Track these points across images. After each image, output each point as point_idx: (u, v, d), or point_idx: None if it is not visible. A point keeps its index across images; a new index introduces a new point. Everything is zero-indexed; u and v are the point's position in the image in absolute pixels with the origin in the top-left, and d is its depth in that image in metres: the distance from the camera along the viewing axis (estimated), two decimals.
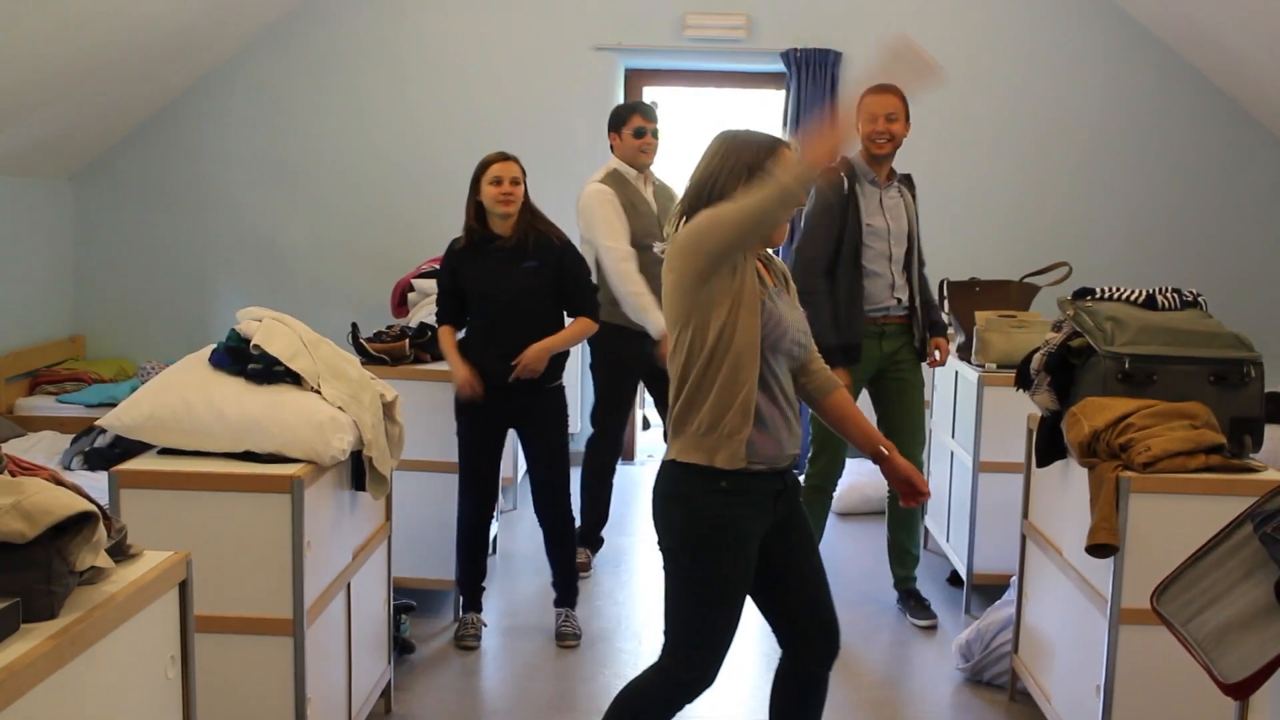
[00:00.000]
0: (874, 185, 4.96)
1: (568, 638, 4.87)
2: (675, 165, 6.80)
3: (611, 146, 5.61)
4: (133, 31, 6.27)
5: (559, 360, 4.80)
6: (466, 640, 4.83)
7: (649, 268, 5.22)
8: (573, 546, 5.01)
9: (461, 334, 4.83)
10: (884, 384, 5.10)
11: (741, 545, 3.01)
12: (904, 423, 5.08)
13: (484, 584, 5.00)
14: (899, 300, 4.99)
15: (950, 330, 5.49)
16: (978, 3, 7.56)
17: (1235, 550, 2.42)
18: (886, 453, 3.19)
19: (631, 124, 5.53)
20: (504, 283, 4.64)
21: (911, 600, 5.26)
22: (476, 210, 4.70)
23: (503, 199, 4.61)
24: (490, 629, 5.03)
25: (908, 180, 5.13)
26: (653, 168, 5.64)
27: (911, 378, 5.09)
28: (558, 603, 5.00)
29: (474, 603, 4.96)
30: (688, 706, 3.13)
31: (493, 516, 4.99)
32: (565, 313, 4.82)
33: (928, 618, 5.16)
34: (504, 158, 4.69)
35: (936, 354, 5.11)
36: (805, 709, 3.24)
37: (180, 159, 7.73)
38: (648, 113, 5.62)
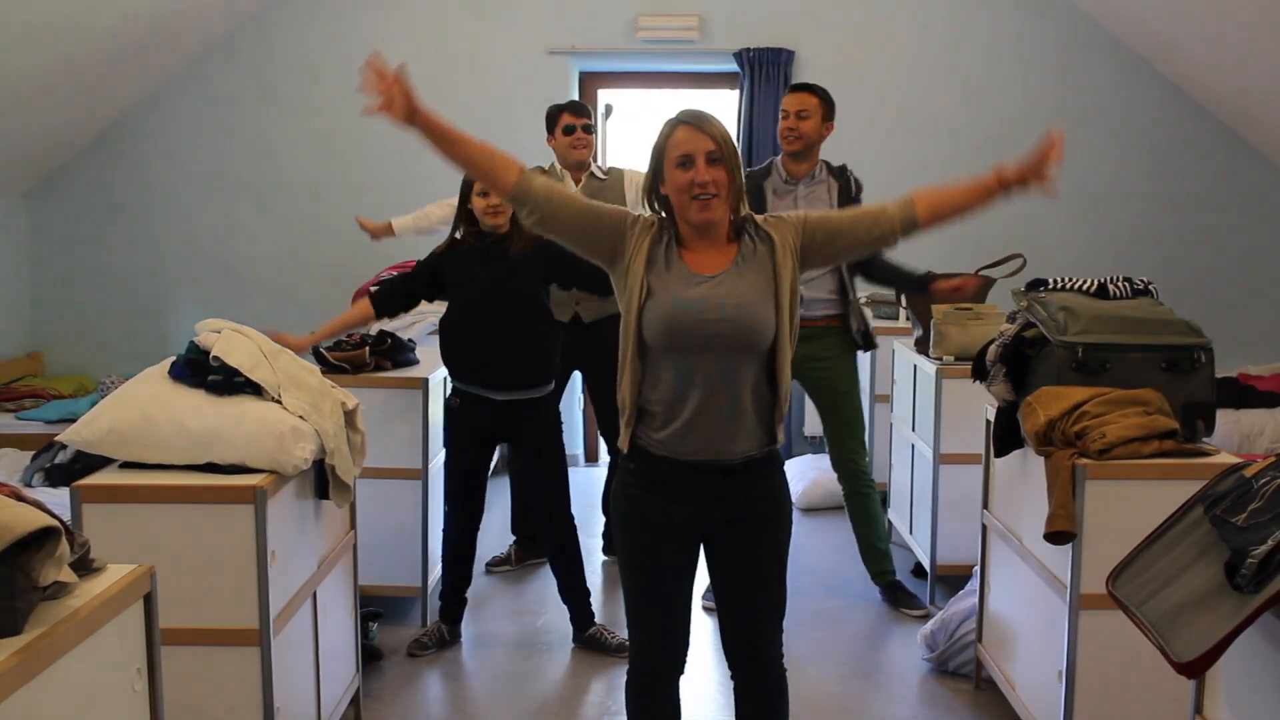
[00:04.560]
0: (787, 184, 5.02)
1: (613, 648, 4.78)
2: (629, 166, 6.80)
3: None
4: (83, 46, 6.24)
5: (547, 365, 4.67)
6: (423, 641, 4.79)
7: None
8: (581, 567, 4.85)
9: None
10: (811, 382, 5.17)
11: (646, 527, 3.06)
12: (835, 418, 5.19)
13: (467, 595, 4.92)
14: (818, 298, 5.04)
15: (907, 323, 5.52)
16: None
17: (1187, 532, 2.46)
18: (1001, 174, 3.18)
19: (561, 122, 5.58)
20: (494, 291, 4.54)
21: (897, 593, 5.30)
22: (468, 219, 4.62)
23: (491, 211, 4.53)
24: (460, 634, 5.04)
25: (839, 171, 5.15)
26: (602, 161, 5.67)
27: (835, 378, 5.16)
28: (578, 635, 4.87)
29: (452, 615, 4.89)
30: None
31: (478, 528, 4.89)
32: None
33: (917, 607, 5.21)
34: None
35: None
36: (758, 711, 3.24)
37: (134, 173, 7.70)
38: (576, 109, 5.65)
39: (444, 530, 4.86)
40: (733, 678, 3.23)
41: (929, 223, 3.16)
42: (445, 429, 4.82)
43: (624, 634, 4.72)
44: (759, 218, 3.06)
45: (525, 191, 2.96)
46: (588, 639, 4.83)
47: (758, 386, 2.98)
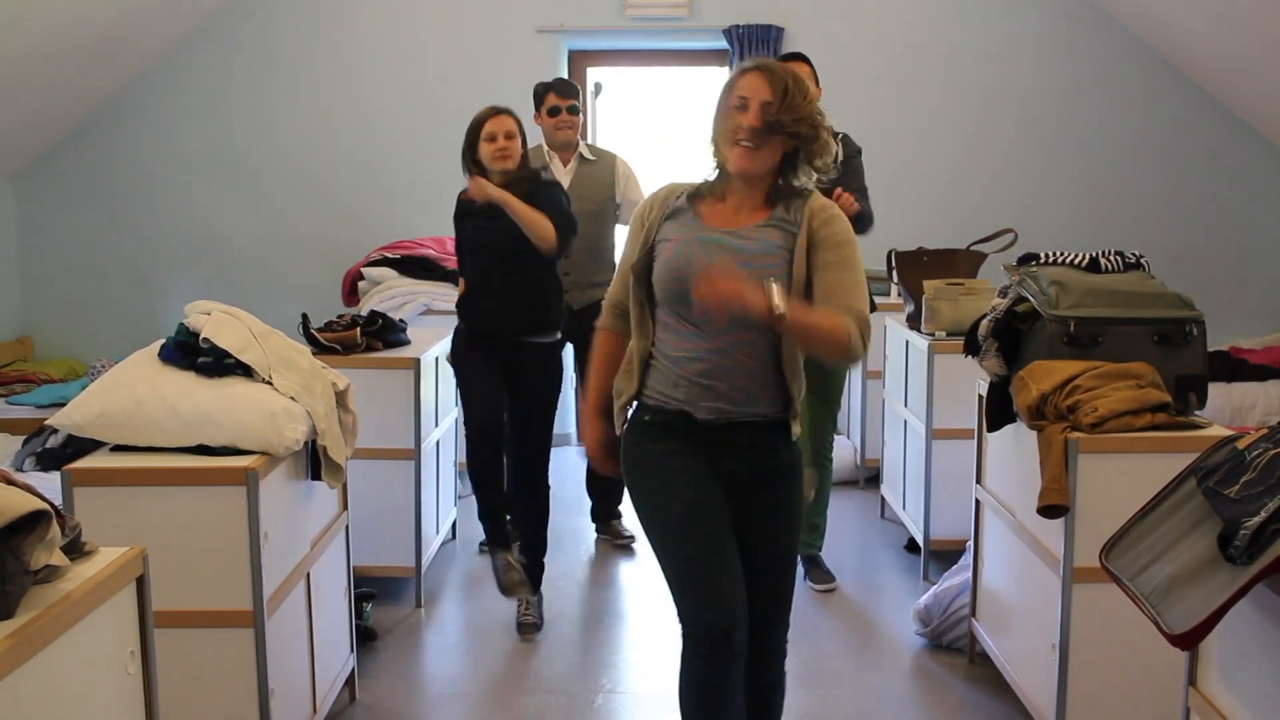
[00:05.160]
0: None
1: (528, 629, 4.77)
2: (620, 144, 6.79)
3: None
4: (71, 26, 6.20)
5: (550, 315, 4.69)
6: (514, 590, 4.69)
7: None
8: (544, 528, 4.90)
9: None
10: None
11: (657, 470, 2.95)
12: (818, 390, 5.14)
13: (509, 519, 4.82)
14: None
15: (899, 299, 5.51)
16: None
17: (1180, 505, 2.47)
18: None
19: (546, 102, 5.56)
20: (495, 233, 4.55)
21: (812, 565, 5.32)
22: (476, 169, 4.61)
23: (499, 154, 4.53)
24: (453, 614, 5.05)
25: (843, 139, 5.09)
26: (592, 139, 5.65)
27: None
28: (494, 541, 4.80)
29: (501, 539, 4.76)
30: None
31: (501, 439, 4.76)
32: None
33: (826, 581, 5.24)
34: (497, 112, 4.59)
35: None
36: (754, 709, 3.06)
37: (123, 155, 7.66)
38: (562, 89, 5.61)
39: (468, 447, 4.80)
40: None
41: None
42: (455, 361, 4.83)
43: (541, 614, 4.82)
44: (817, 201, 2.93)
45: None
46: (520, 603, 4.87)
47: (765, 353, 2.89)
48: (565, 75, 7.64)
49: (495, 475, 4.76)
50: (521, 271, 4.61)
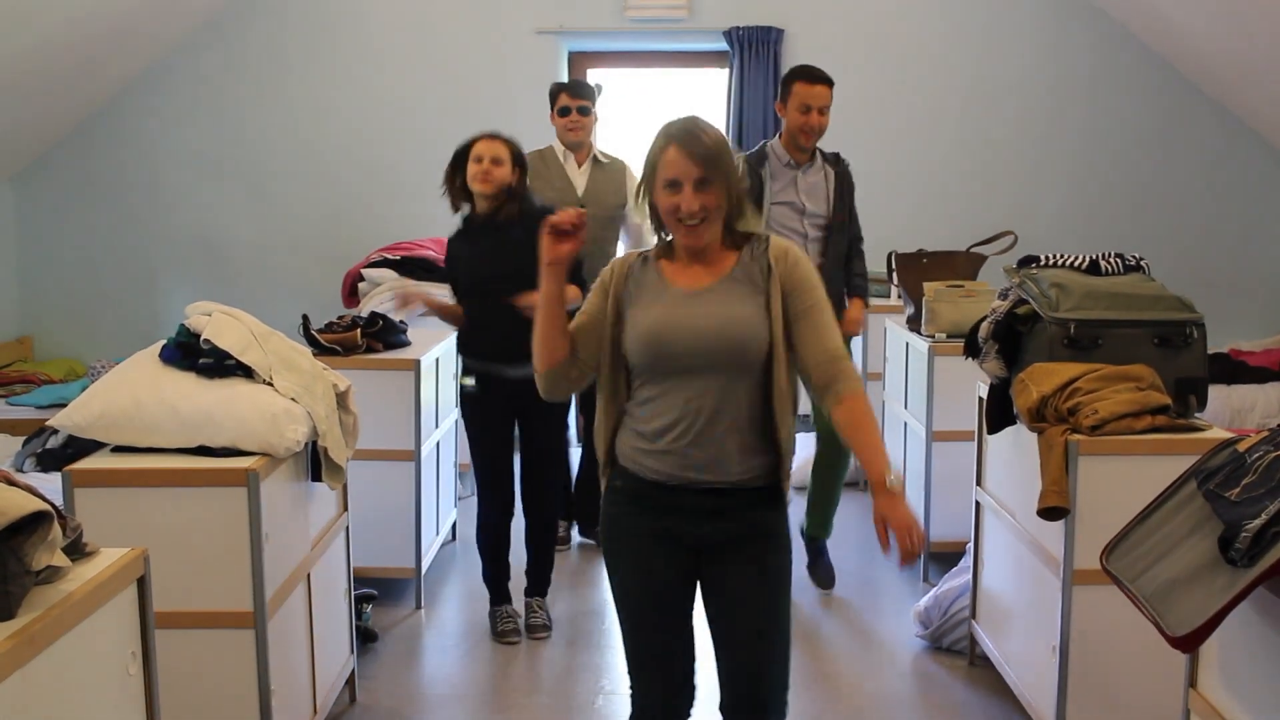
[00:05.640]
0: (788, 167, 4.97)
1: (538, 629, 4.79)
2: (621, 147, 6.78)
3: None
4: (70, 27, 6.20)
5: None
6: (507, 636, 4.75)
7: None
8: (553, 540, 4.93)
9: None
10: None
11: (631, 547, 2.92)
12: None
13: (508, 579, 4.89)
14: None
15: (899, 301, 5.51)
16: None
17: (1180, 507, 2.47)
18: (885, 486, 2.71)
19: (559, 102, 5.56)
20: (493, 263, 4.49)
21: (816, 558, 5.30)
22: (463, 190, 4.57)
23: (480, 177, 4.49)
24: (453, 616, 5.05)
25: (835, 159, 5.10)
26: (601, 144, 5.66)
27: None
28: (529, 591, 4.90)
29: (501, 596, 4.85)
30: None
31: (512, 515, 4.82)
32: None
33: (824, 584, 5.25)
34: (490, 137, 4.56)
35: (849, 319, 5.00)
36: None
37: (123, 156, 7.67)
38: (575, 90, 5.60)
39: (478, 518, 4.82)
40: None
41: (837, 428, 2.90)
42: (464, 416, 4.81)
43: (549, 616, 4.84)
44: (776, 244, 2.89)
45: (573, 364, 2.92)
46: (529, 605, 4.88)
47: (753, 406, 2.82)
48: (565, 77, 7.64)
49: (501, 543, 4.80)
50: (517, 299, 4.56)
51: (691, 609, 2.98)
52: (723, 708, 2.95)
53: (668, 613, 2.93)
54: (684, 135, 2.78)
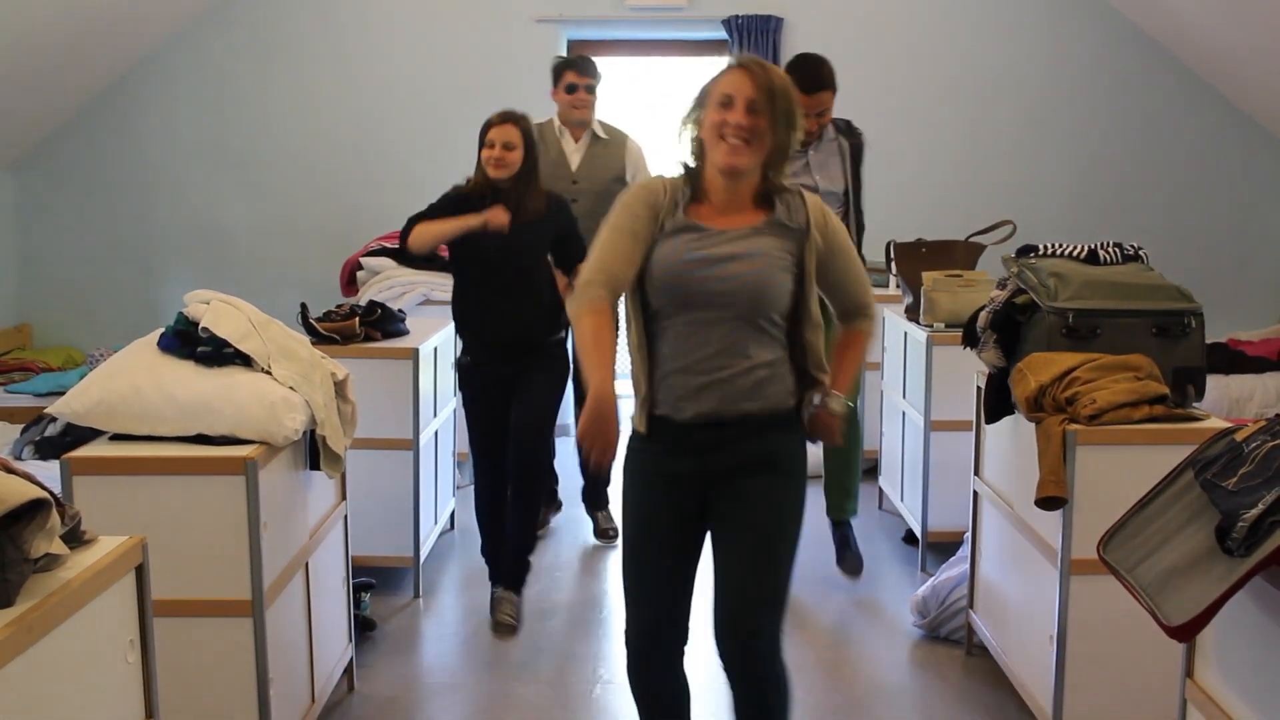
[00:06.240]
0: (798, 151, 4.92)
1: (504, 630, 4.65)
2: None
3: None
4: (69, 12, 6.19)
5: (558, 314, 4.57)
6: (501, 631, 4.65)
7: None
8: (534, 523, 4.81)
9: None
10: None
11: (646, 488, 2.99)
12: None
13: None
14: None
15: (897, 291, 5.50)
16: None
17: (1178, 497, 2.47)
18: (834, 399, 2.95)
19: (565, 79, 5.56)
20: (503, 243, 4.47)
21: (843, 546, 5.22)
22: (481, 168, 4.58)
23: (493, 163, 4.51)
24: (451, 604, 5.05)
25: (848, 129, 5.06)
26: (601, 120, 5.66)
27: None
28: (503, 583, 4.75)
29: (499, 574, 4.79)
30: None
31: (505, 490, 4.76)
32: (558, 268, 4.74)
33: (853, 571, 5.17)
34: (504, 119, 4.55)
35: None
36: (750, 708, 2.99)
37: (122, 143, 7.66)
38: (581, 68, 5.60)
39: (475, 495, 4.82)
40: (729, 681, 2.96)
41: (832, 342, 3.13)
42: (460, 391, 4.81)
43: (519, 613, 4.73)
44: (813, 200, 2.94)
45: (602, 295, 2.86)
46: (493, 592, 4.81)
47: (776, 351, 2.90)
48: None
49: (498, 516, 4.78)
50: (528, 280, 4.60)
51: (694, 559, 3.03)
52: (716, 635, 2.93)
53: (667, 554, 2.99)
54: (751, 61, 2.87)
